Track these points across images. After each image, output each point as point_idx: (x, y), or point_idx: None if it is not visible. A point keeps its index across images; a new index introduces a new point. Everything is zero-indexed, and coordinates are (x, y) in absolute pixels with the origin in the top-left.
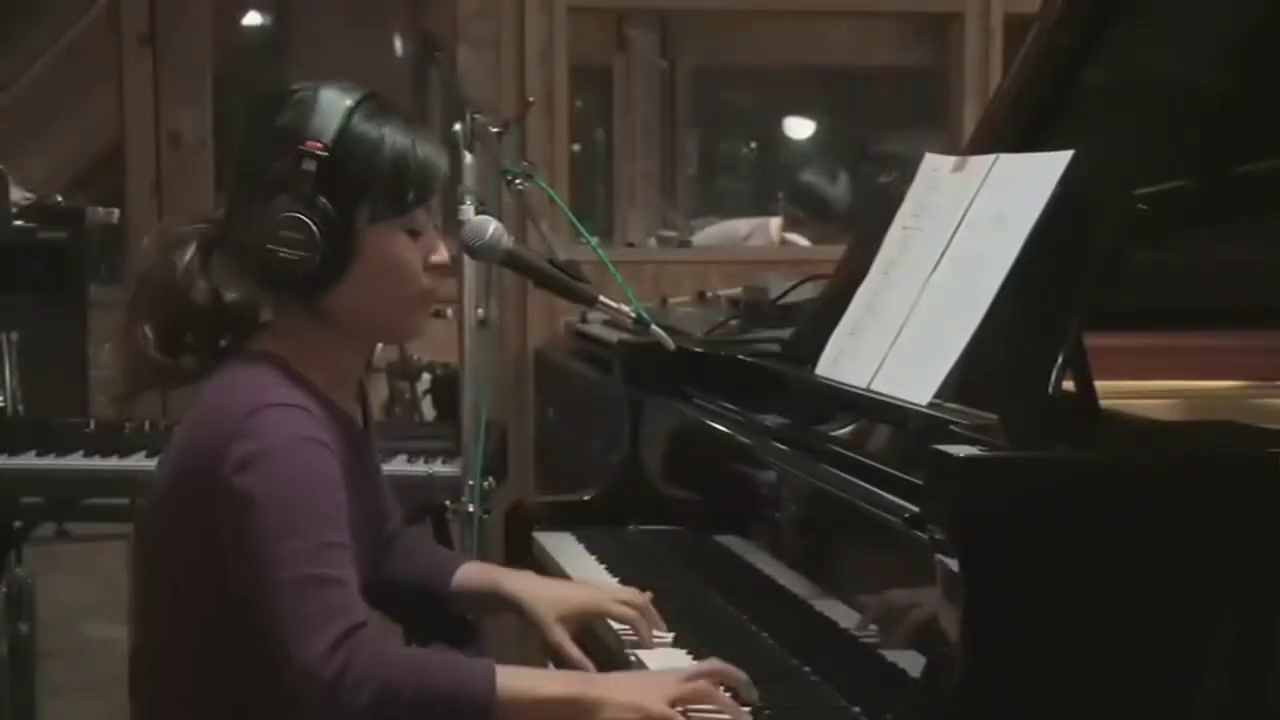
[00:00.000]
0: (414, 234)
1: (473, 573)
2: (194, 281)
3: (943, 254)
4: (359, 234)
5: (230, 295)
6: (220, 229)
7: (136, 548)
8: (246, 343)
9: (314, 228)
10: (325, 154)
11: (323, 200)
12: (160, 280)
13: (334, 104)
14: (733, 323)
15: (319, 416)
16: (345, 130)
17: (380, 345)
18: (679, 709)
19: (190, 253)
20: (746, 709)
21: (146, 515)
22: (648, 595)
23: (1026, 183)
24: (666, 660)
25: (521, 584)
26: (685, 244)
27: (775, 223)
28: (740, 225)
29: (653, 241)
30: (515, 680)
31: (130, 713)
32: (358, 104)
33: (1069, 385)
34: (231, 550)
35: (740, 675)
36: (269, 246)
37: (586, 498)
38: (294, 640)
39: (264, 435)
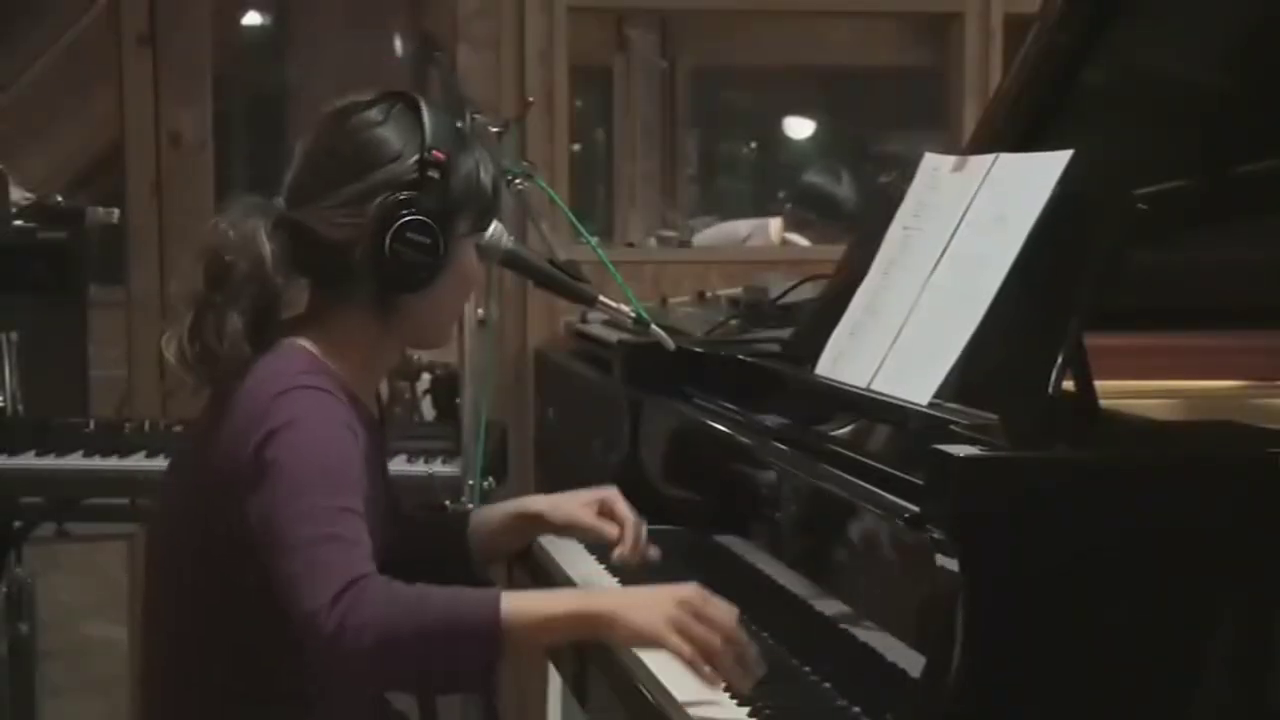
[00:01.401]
0: (479, 249)
1: (485, 513)
2: (279, 272)
3: (943, 254)
4: (456, 245)
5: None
6: (295, 219)
7: (156, 540)
8: (278, 333)
9: (438, 233)
10: (448, 163)
11: (441, 208)
12: (250, 270)
13: (439, 116)
14: (733, 323)
15: (344, 402)
16: (460, 143)
17: None
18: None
19: (268, 242)
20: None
21: (176, 502)
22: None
23: (1026, 182)
24: (668, 661)
25: (539, 500)
26: (685, 244)
27: (775, 224)
28: (740, 226)
29: (653, 241)
30: (521, 602)
31: (140, 703)
32: (453, 119)
33: (1069, 385)
34: (254, 516)
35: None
36: (390, 243)
37: None
38: (303, 595)
39: (290, 411)
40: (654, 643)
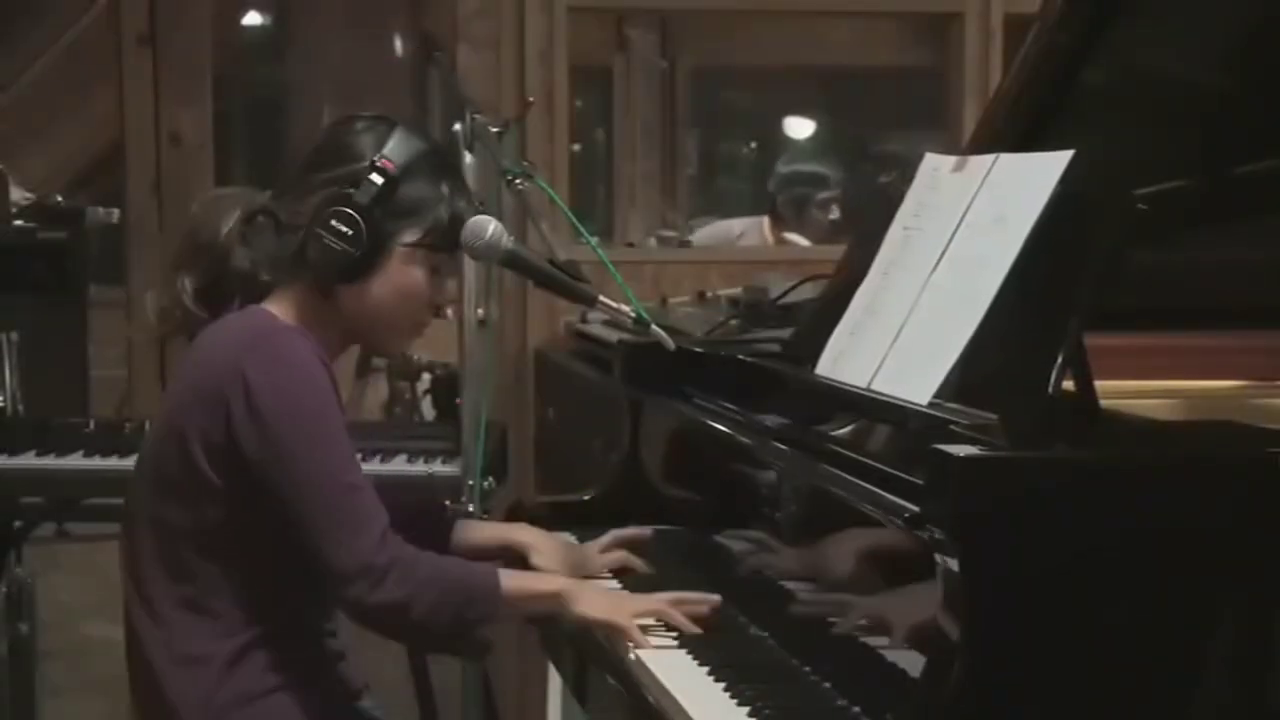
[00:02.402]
0: (435, 272)
1: (472, 530)
2: (234, 246)
3: (943, 254)
4: (391, 250)
5: (260, 266)
6: (264, 205)
7: (145, 474)
8: (233, 300)
9: (361, 227)
10: (394, 174)
11: (377, 211)
12: (205, 239)
13: (414, 140)
14: (733, 323)
15: (314, 342)
16: (419, 165)
17: None
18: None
19: (234, 220)
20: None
21: (162, 429)
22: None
23: (1026, 183)
24: (669, 661)
25: (528, 536)
26: (685, 244)
27: (767, 222)
28: (733, 225)
29: (653, 241)
30: (512, 580)
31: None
32: (433, 151)
33: (1069, 385)
34: (266, 462)
35: (709, 599)
36: (317, 230)
37: (586, 498)
38: (343, 543)
39: (276, 355)
40: (610, 620)
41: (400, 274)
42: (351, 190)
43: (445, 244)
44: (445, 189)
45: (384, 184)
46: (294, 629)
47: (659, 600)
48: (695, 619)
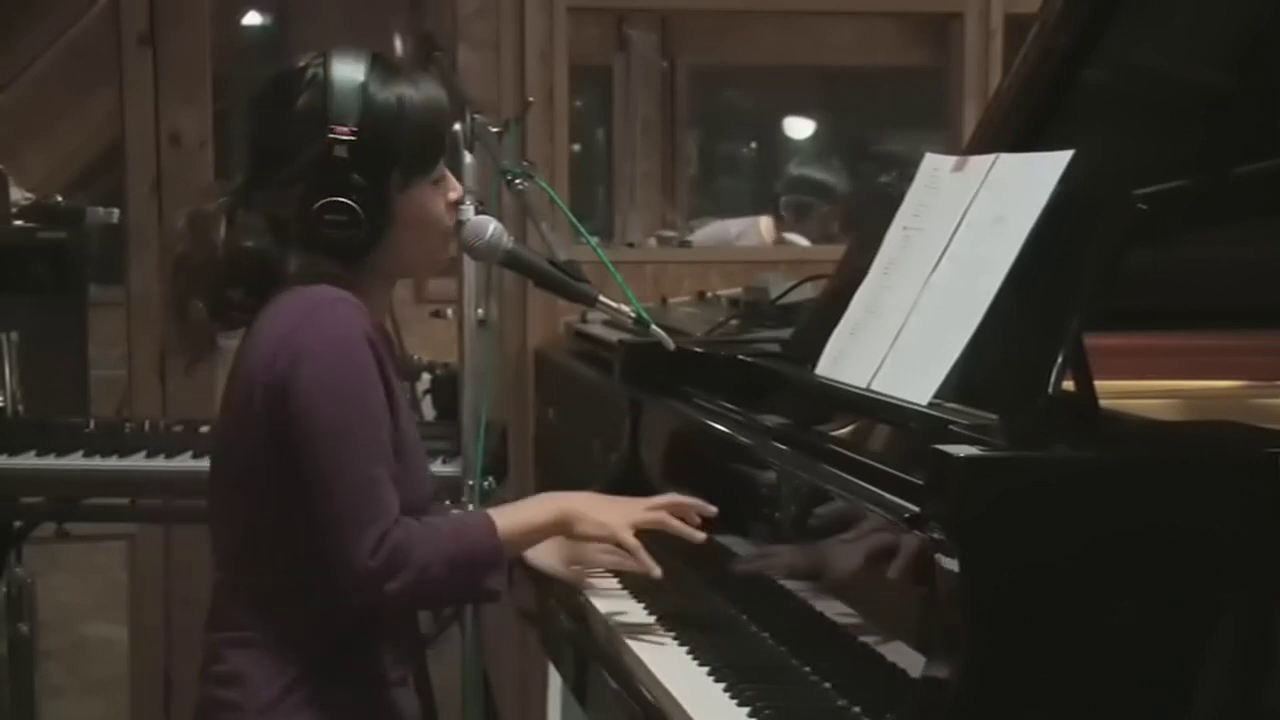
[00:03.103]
0: (437, 183)
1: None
2: (234, 253)
3: (943, 254)
4: (393, 201)
5: (265, 247)
6: (241, 198)
7: (216, 452)
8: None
9: (356, 206)
10: (354, 136)
11: (358, 178)
12: (204, 260)
13: (349, 80)
14: (733, 323)
15: (363, 309)
16: (367, 107)
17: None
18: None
19: (223, 228)
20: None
21: (230, 410)
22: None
23: (1026, 182)
24: (669, 661)
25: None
26: (685, 244)
27: (765, 222)
28: (731, 225)
29: (653, 241)
30: (507, 520)
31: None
32: (370, 75)
33: (1069, 385)
34: (297, 443)
35: (702, 507)
36: (315, 226)
37: None
38: (344, 542)
39: (316, 332)
40: (611, 537)
41: (410, 211)
42: (326, 175)
43: (432, 156)
44: (406, 102)
45: (351, 152)
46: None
47: (656, 504)
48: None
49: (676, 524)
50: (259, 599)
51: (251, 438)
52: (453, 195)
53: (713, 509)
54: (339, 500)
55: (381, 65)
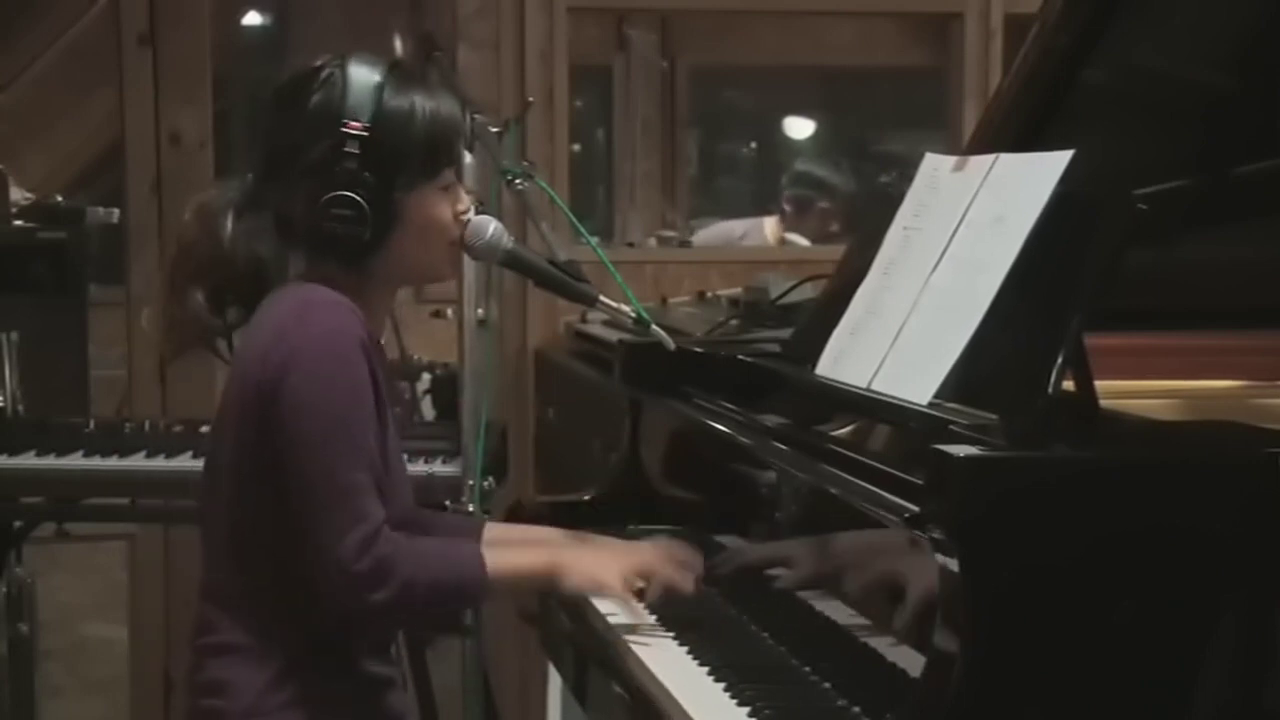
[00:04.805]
0: (445, 190)
1: (500, 534)
2: (237, 249)
3: (943, 254)
4: (399, 202)
5: (265, 252)
6: (252, 195)
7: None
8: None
9: (363, 204)
10: (365, 134)
11: (367, 176)
12: (209, 251)
13: (365, 81)
14: (733, 323)
15: (360, 316)
16: (380, 107)
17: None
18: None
19: (230, 222)
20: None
21: (226, 405)
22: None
23: (1026, 182)
24: (669, 661)
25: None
26: (685, 244)
27: (770, 222)
28: (735, 226)
29: (653, 241)
30: (498, 560)
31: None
32: (386, 78)
33: (1069, 385)
34: (284, 443)
35: (694, 563)
36: (320, 222)
37: (586, 498)
38: (326, 545)
39: (309, 332)
40: (602, 589)
41: (416, 215)
42: (335, 171)
43: (442, 161)
44: (419, 109)
45: (362, 149)
46: (327, 653)
47: (649, 554)
48: (679, 595)
49: (667, 573)
50: (240, 600)
51: (242, 433)
52: (460, 207)
53: (701, 568)
54: (321, 502)
55: (399, 71)
